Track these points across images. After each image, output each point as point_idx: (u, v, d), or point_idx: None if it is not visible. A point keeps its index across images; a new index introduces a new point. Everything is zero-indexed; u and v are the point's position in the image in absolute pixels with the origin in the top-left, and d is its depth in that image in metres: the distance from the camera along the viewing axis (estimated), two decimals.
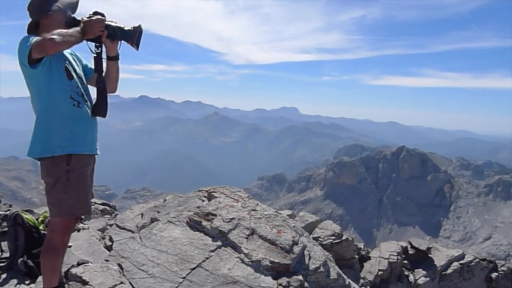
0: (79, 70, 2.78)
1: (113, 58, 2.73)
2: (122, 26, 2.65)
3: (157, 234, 3.85)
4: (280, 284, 3.27)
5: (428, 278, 7.33)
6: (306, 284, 3.42)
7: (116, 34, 2.62)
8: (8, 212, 3.57)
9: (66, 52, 2.71)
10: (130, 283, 3.25)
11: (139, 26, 2.64)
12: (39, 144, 2.50)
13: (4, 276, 3.31)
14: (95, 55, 2.70)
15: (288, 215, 6.14)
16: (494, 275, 8.29)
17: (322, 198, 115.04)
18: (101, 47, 2.70)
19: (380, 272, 6.66)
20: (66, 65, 2.60)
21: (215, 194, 4.58)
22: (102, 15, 2.56)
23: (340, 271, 4.12)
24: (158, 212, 4.71)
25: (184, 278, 3.27)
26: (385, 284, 6.69)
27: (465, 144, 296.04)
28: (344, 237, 6.14)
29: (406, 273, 7.26)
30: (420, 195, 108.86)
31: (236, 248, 3.59)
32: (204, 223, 3.87)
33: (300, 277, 3.42)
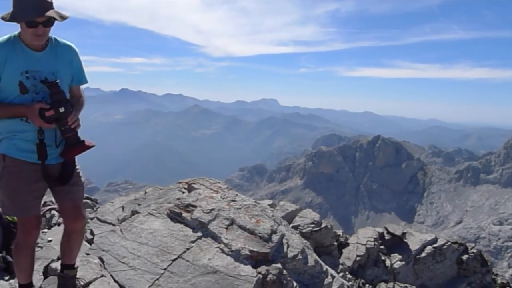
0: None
1: None
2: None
3: (137, 227, 3.86)
4: (259, 273, 3.35)
5: (403, 262, 7.63)
6: (284, 272, 3.52)
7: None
8: None
9: (46, 60, 2.47)
10: (111, 275, 3.26)
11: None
12: None
13: None
14: (37, 141, 2.47)
15: (269, 204, 6.26)
16: (464, 257, 8.70)
17: (302, 187, 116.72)
18: (44, 134, 2.50)
19: (358, 258, 6.89)
20: (23, 79, 2.39)
21: (195, 186, 4.61)
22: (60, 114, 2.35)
23: (317, 258, 4.25)
24: (139, 204, 4.70)
25: (164, 269, 3.31)
26: (362, 269, 6.93)
27: (436, 132, 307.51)
28: (323, 225, 6.31)
29: (382, 258, 7.53)
30: (395, 182, 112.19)
31: (216, 238, 3.65)
32: (184, 214, 3.90)
33: (279, 265, 3.51)
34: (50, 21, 2.31)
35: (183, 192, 4.67)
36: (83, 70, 2.74)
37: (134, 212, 4.30)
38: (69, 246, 2.77)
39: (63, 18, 2.34)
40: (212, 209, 3.92)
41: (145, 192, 5.41)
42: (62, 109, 2.33)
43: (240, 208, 4.04)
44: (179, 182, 4.98)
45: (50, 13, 2.26)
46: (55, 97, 2.36)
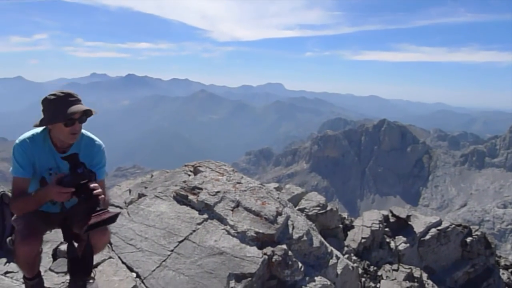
0: None
1: None
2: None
3: (144, 209, 3.91)
4: (265, 254, 3.39)
5: (408, 244, 7.68)
6: (290, 253, 3.55)
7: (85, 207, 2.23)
8: None
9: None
10: (119, 257, 3.32)
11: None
12: None
13: None
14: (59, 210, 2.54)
15: (275, 188, 6.27)
16: (468, 239, 8.73)
17: (308, 171, 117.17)
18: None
19: (363, 240, 6.94)
20: (46, 175, 2.53)
21: (200, 169, 4.63)
22: (77, 175, 2.28)
23: (323, 240, 4.28)
24: (146, 187, 4.74)
25: (171, 251, 3.36)
26: (367, 251, 6.98)
27: (441, 116, 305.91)
28: (328, 208, 6.33)
29: (387, 240, 7.58)
30: (400, 166, 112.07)
31: (222, 220, 3.68)
32: (191, 197, 3.93)
33: (284, 246, 3.54)
34: (84, 117, 2.45)
35: (189, 175, 4.69)
36: (102, 168, 2.72)
37: (141, 195, 4.34)
38: None
39: (94, 112, 2.48)
40: (218, 192, 3.95)
41: (152, 176, 5.44)
42: (80, 170, 2.30)
43: (245, 190, 4.06)
44: (185, 165, 5.01)
45: (84, 107, 2.40)
46: (72, 164, 2.35)
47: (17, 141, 2.46)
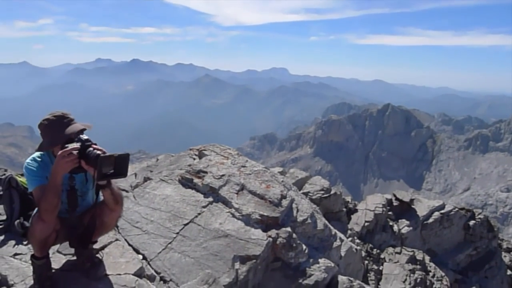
0: (79, 186, 2.70)
1: (101, 186, 2.53)
2: (100, 153, 2.26)
3: (150, 193, 3.94)
4: (269, 236, 3.43)
5: (411, 228, 7.73)
6: (294, 235, 3.59)
7: (95, 162, 2.24)
8: (3, 177, 3.56)
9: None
10: (126, 240, 3.37)
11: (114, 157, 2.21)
12: None
13: (2, 238, 3.38)
14: (68, 188, 2.57)
15: (279, 172, 6.30)
16: (471, 223, 8.77)
17: (312, 156, 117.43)
18: (75, 180, 2.56)
19: (366, 223, 6.99)
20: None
21: (205, 152, 4.65)
22: (82, 141, 2.36)
23: (327, 222, 4.32)
24: (151, 171, 4.78)
25: (177, 233, 3.41)
26: (370, 234, 7.04)
27: (446, 101, 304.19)
28: (332, 192, 6.36)
29: (390, 223, 7.63)
30: (404, 150, 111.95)
31: (226, 203, 3.72)
32: (196, 180, 3.96)
33: (289, 229, 3.58)
34: (81, 134, 2.53)
35: (194, 159, 4.72)
36: None
37: (146, 179, 4.38)
38: (98, 232, 2.84)
39: (89, 127, 2.60)
40: (223, 175, 3.97)
41: (157, 159, 5.48)
42: (83, 135, 2.43)
43: (250, 174, 4.08)
44: (190, 149, 5.03)
45: (79, 126, 2.52)
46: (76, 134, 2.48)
47: (27, 160, 2.58)
